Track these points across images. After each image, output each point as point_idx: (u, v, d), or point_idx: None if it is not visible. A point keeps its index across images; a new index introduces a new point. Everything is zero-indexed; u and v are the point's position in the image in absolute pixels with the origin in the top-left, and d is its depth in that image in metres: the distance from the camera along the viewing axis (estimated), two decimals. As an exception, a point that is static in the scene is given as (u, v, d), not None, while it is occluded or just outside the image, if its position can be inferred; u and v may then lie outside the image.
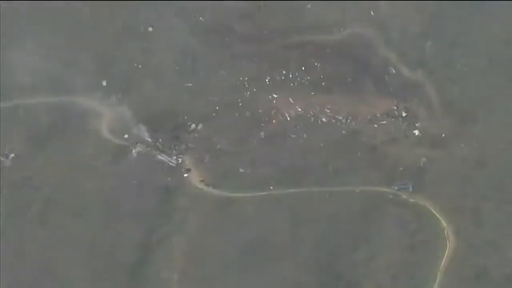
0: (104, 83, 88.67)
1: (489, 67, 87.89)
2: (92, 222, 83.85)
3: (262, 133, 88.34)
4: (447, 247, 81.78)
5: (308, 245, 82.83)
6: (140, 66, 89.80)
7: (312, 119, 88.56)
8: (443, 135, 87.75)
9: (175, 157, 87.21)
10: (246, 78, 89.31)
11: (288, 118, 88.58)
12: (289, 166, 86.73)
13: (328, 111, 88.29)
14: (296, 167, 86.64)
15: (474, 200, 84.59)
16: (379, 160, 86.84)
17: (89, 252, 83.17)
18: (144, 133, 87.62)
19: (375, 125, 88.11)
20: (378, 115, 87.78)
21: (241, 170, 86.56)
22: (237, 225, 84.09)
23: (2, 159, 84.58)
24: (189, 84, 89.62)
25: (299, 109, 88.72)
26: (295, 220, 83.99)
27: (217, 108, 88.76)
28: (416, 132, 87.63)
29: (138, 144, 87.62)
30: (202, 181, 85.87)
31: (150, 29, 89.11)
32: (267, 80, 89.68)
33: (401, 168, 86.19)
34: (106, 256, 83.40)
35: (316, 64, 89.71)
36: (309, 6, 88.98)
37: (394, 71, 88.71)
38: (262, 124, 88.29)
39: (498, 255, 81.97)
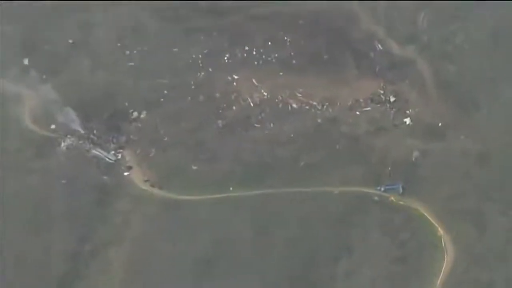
0: (26, 62, 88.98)
1: (492, 43, 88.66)
2: (13, 229, 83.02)
3: (219, 122, 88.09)
4: (445, 259, 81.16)
5: (276, 256, 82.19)
6: (73, 42, 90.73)
7: (281, 104, 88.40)
8: (439, 124, 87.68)
9: (113, 152, 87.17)
10: (201, 56, 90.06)
11: (252, 104, 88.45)
12: (253, 162, 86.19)
13: (300, 95, 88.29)
14: (261, 163, 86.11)
15: (476, 202, 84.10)
16: (362, 155, 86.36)
17: (10, 264, 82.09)
18: (74, 121, 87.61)
19: (357, 112, 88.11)
20: (361, 100, 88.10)
21: (193, 167, 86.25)
22: (189, 233, 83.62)
23: None
24: (132, 64, 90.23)
25: (265, 93, 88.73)
26: (260, 227, 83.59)
27: (165, 92, 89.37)
28: (407, 120, 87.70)
29: (68, 136, 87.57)
30: (146, 180, 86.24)
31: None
32: (225, 58, 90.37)
33: (389, 164, 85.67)
34: (29, 269, 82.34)
35: (285, 38, 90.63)
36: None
37: (380, 47, 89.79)
38: (220, 111, 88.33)
39: (505, 267, 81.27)
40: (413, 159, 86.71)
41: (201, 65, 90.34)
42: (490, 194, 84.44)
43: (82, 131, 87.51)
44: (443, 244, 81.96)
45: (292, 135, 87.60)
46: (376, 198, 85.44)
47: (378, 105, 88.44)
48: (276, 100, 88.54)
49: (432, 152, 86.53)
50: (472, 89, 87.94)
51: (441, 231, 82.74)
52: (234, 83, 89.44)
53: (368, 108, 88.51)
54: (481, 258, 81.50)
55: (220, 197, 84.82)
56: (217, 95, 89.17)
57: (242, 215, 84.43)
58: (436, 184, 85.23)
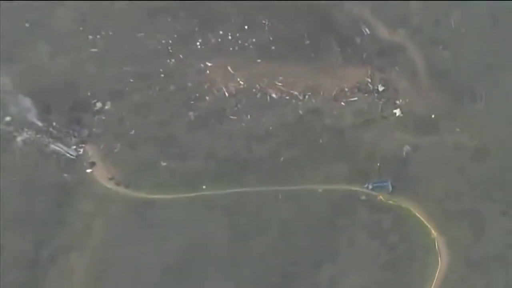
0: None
1: (492, 26, 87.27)
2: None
3: (191, 114, 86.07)
4: (439, 264, 79.53)
5: (254, 262, 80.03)
6: (29, 25, 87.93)
7: (259, 95, 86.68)
8: (432, 116, 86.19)
9: (74, 147, 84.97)
10: (171, 41, 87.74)
11: (226, 94, 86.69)
12: (228, 157, 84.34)
13: (279, 84, 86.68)
14: (237, 159, 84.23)
15: (472, 202, 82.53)
16: (348, 149, 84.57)
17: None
18: (31, 113, 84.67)
19: (343, 103, 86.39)
20: (347, 89, 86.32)
21: (163, 164, 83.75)
22: (158, 236, 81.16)
23: None
24: (95, 49, 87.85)
25: (241, 82, 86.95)
26: (236, 230, 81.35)
27: (131, 81, 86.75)
28: (397, 111, 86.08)
29: (25, 129, 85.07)
30: (111, 178, 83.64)
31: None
32: (198, 43, 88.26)
33: (378, 160, 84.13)
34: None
35: (263, 22, 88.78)
36: None
37: (367, 31, 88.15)
38: (192, 102, 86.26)
39: (505, 273, 79.73)
40: (404, 154, 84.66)
41: (170, 51, 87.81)
42: (489, 192, 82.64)
43: (40, 124, 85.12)
44: (436, 248, 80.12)
45: (271, 128, 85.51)
46: (363, 197, 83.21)
47: (365, 95, 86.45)
48: (254, 90, 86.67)
49: (425, 146, 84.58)
50: (468, 78, 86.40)
51: (434, 233, 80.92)
52: (207, 71, 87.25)
53: (355, 98, 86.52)
54: (478, 262, 79.68)
55: (192, 196, 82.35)
56: (189, 84, 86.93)
57: (216, 216, 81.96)
58: (429, 182, 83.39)
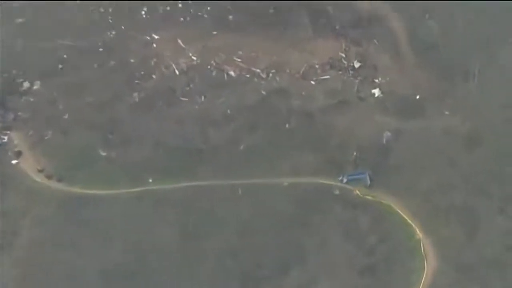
0: None
1: None
2: None
3: (135, 95, 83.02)
4: (425, 269, 77.65)
5: (210, 264, 78.24)
6: None
7: (214, 72, 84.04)
8: (418, 96, 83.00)
9: None
10: (111, 10, 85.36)
11: (177, 72, 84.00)
12: (178, 146, 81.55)
13: (239, 60, 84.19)
14: (189, 147, 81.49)
15: (464, 197, 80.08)
16: (319, 136, 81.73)
17: None
18: None
19: (312, 82, 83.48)
20: (317, 66, 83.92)
21: (102, 153, 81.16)
22: (97, 237, 79.24)
23: None
24: (22, 20, 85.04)
25: (194, 58, 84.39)
26: (189, 229, 78.79)
27: (65, 56, 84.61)
28: (376, 92, 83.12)
29: None
30: (40, 170, 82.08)
31: None
32: (143, 12, 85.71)
33: (354, 148, 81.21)
34: None
35: None
36: None
37: None
38: (136, 81, 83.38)
39: (500, 280, 78.11)
40: (384, 141, 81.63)
41: (111, 21, 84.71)
42: (483, 186, 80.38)
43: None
44: (422, 250, 78.15)
45: (229, 112, 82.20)
46: (336, 191, 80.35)
47: (339, 72, 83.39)
48: (209, 67, 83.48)
49: (408, 132, 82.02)
50: (459, 52, 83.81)
51: (419, 234, 78.82)
52: (154, 45, 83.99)
53: (326, 77, 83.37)
54: (470, 267, 78.32)
55: (137, 191, 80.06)
56: (132, 60, 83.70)
57: (165, 214, 79.39)
58: (414, 174, 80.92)
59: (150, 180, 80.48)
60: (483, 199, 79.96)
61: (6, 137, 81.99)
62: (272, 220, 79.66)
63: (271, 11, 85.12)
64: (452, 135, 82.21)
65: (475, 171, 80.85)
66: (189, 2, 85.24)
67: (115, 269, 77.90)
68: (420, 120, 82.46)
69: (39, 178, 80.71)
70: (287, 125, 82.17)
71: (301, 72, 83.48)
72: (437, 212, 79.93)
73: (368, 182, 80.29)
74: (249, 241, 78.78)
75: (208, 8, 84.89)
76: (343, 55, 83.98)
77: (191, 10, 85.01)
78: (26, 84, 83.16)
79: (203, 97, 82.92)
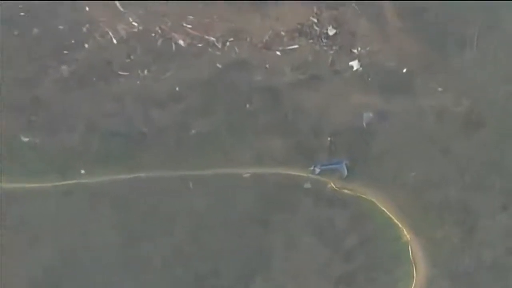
0: None
1: None
2: None
3: (64, 69, 76.91)
4: (414, 277, 75.16)
5: (155, 271, 74.68)
6: None
7: (160, 41, 77.75)
8: (404, 70, 77.35)
9: None
10: None
11: (114, 41, 77.88)
12: (116, 130, 76.16)
13: (189, 26, 78.09)
14: (129, 132, 76.16)
15: (459, 191, 76.45)
16: (286, 118, 76.80)
17: None
18: None
19: (278, 53, 77.69)
20: (284, 33, 77.71)
21: (24, 139, 75.33)
22: (20, 239, 74.99)
23: None
24: None
25: (135, 24, 78.11)
26: (130, 229, 74.75)
27: None
28: (355, 64, 77.56)
29: None
30: None
31: None
32: None
33: (328, 133, 76.67)
34: None
35: None
36: None
37: None
38: (65, 52, 77.11)
39: (502, 287, 75.69)
40: (364, 124, 76.00)
41: None
42: (482, 178, 75.99)
43: None
44: (410, 254, 74.70)
45: (177, 89, 75.94)
46: (308, 184, 75.06)
47: (310, 41, 76.95)
48: (153, 35, 76.72)
49: (393, 113, 76.56)
50: (453, 15, 78.08)
51: (407, 235, 74.56)
52: (87, 8, 77.38)
53: (295, 46, 77.26)
54: (467, 275, 75.34)
55: (66, 184, 74.88)
56: (60, 27, 77.00)
57: (101, 212, 74.13)
58: (400, 163, 76.20)
59: (83, 172, 75.25)
60: (483, 194, 75.72)
61: None
62: (231, 219, 74.92)
63: (228, -35, 77.30)
64: (446, 116, 77.14)
65: (473, 161, 76.35)
66: (126, -48, 77.22)
67: (44, 275, 73.43)
68: (407, 99, 77.29)
69: None
70: (247, 105, 76.37)
71: (264, 41, 77.66)
72: (428, 209, 75.72)
73: (346, 173, 75.57)
74: (202, 243, 74.18)
75: (152, -41, 77.14)
76: (315, 20, 78.08)
77: (126, -37, 77.26)
78: None
79: (146, 71, 76.90)
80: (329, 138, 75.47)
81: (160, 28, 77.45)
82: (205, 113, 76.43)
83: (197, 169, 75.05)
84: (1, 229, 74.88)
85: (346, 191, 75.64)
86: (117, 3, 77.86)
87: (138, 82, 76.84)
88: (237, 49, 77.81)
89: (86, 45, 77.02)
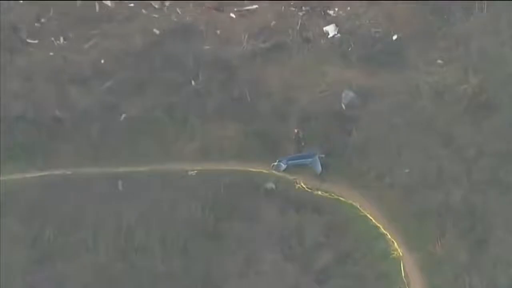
0: None
1: None
2: None
3: None
4: None
5: None
6: None
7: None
8: (394, 36, 72.52)
9: None
10: None
11: None
12: (24, 115, 69.90)
13: None
14: (40, 117, 69.90)
15: (466, 193, 68.45)
16: (242, 99, 71.05)
17: None
18: None
19: (232, 15, 74.02)
20: None
21: None
22: None
23: None
24: None
25: None
26: (42, 242, 66.22)
27: None
28: (331, 29, 72.96)
29: None
30: None
31: None
32: None
33: (296, 119, 70.78)
34: None
35: None
36: None
37: None
38: None
39: None
40: (343, 106, 68.66)
41: None
42: (492, 176, 67.89)
43: None
44: (402, 274, 65.16)
45: (102, 62, 69.80)
46: (270, 184, 66.71)
47: None
48: None
49: (380, 92, 69.86)
50: None
51: (399, 250, 65.69)
52: None
53: (254, 6, 72.87)
54: None
55: None
56: None
57: (6, 221, 66.05)
58: (389, 157, 68.40)
59: (-28, 170, 65.26)
60: (493, 195, 67.01)
61: None
62: (171, 230, 65.40)
63: None
64: (448, 97, 69.60)
65: (482, 153, 68.52)
66: None
67: None
68: (398, 74, 70.18)
69: None
70: (192, 82, 68.48)
71: (214, -2, 69.54)
72: (425, 216, 66.48)
73: (319, 169, 67.39)
74: (135, 260, 64.34)
75: None
76: (280, -29, 69.99)
77: None
78: None
79: (62, 39, 70.35)
80: (296, 130, 68.60)
81: (83, -17, 69.36)
82: (137, 92, 69.17)
83: (128, 165, 67.56)
84: None
85: (320, 192, 67.81)
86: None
87: (51, 53, 70.71)
88: (179, 11, 73.17)
89: (-13, 0, 68.33)
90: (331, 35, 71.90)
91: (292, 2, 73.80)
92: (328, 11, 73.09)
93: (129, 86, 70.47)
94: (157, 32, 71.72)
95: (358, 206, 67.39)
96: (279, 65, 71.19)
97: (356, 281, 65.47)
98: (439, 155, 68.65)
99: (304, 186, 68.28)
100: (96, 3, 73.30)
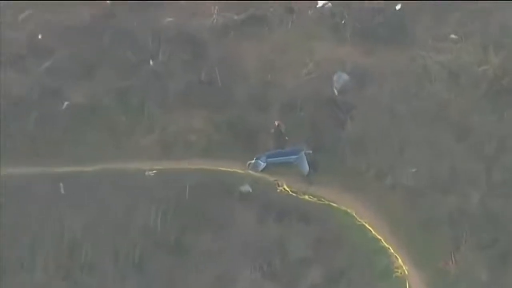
0: None
1: None
2: None
3: None
4: None
5: None
6: None
7: None
8: (397, 6, 69.14)
9: None
10: None
11: None
12: None
13: None
14: None
15: (482, 198, 64.64)
16: (212, 83, 67.07)
17: None
18: None
19: None
20: None
21: None
22: None
23: None
24: None
25: None
26: None
27: None
28: None
29: None
30: None
31: None
32: None
33: (277, 106, 66.86)
34: None
35: None
36: None
37: None
38: None
39: None
40: (335, 91, 64.38)
41: None
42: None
43: None
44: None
45: (40, 37, 66.41)
46: (246, 187, 62.67)
47: None
48: None
49: (380, 74, 65.76)
50: None
51: (403, 266, 61.29)
52: None
53: None
54: None
55: None
56: None
57: None
58: (391, 154, 64.23)
59: None
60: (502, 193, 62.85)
61: None
62: (125, 241, 60.24)
63: None
64: (463, 80, 65.07)
65: (503, 149, 64.38)
66: None
67: None
68: (402, 52, 65.91)
69: None
70: (151, 62, 63.79)
71: (183, -37, 64.04)
72: (435, 226, 62.17)
73: (306, 168, 62.87)
74: (80, 279, 59.32)
75: None
76: None
77: None
78: None
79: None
80: (276, 123, 63.93)
81: None
82: (84, 75, 64.09)
83: (71, 163, 62.22)
84: None
85: (307, 197, 63.44)
86: None
87: (-24, 27, 62.24)
88: (134, -24, 64.05)
89: None
90: (320, 4, 68.07)
91: (275, -41, 65.68)
92: (319, -28, 65.00)
93: (73, 67, 65.40)
94: (108, 1, 67.65)
95: (354, 214, 62.77)
96: (257, 41, 66.90)
97: (351, 296, 59.14)
98: (452, 151, 64.01)
99: (287, 189, 63.91)
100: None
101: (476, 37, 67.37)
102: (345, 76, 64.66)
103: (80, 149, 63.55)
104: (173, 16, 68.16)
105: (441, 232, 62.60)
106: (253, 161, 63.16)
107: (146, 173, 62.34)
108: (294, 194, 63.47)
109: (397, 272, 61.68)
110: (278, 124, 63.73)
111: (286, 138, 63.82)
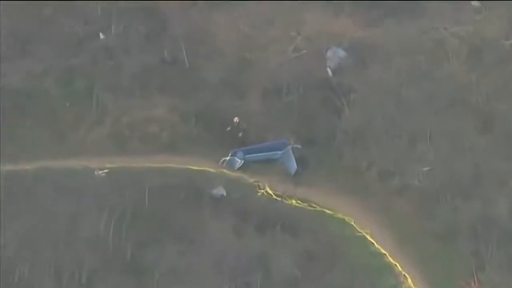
0: None
1: None
2: None
3: None
4: None
5: None
6: None
7: None
8: None
9: None
10: None
11: None
12: None
13: None
14: None
15: (496, 201, 60.09)
16: (175, 62, 63.45)
17: None
18: None
19: None
20: None
21: None
22: None
23: None
24: None
25: None
26: None
27: None
28: None
29: None
30: None
31: None
32: None
33: (260, 91, 63.00)
34: None
35: None
36: None
37: None
38: None
39: None
40: (329, 72, 61.01)
41: None
42: None
43: None
44: None
45: None
46: (219, 190, 58.40)
47: None
48: None
49: (383, 51, 62.43)
50: None
51: (407, 278, 58.14)
52: None
53: None
54: None
55: None
56: None
57: None
58: (397, 149, 60.35)
59: None
60: None
61: None
62: (69, 257, 55.47)
63: None
64: (486, 56, 61.63)
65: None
66: None
67: None
68: (410, 23, 62.71)
69: None
70: (101, 36, 61.23)
71: None
72: (452, 238, 57.83)
73: (294, 166, 58.91)
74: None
75: None
76: None
77: None
78: None
79: None
80: (236, 119, 61.24)
81: None
82: (18, 53, 60.19)
83: (5, 161, 57.60)
84: None
85: (294, 202, 59.09)
86: None
87: None
88: None
89: None
90: (312, -22, 59.37)
91: None
92: None
93: (5, 43, 60.69)
94: (68, -17, 58.59)
95: (353, 223, 58.41)
96: (232, 11, 63.11)
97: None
98: (474, 146, 59.65)
99: (270, 193, 59.25)
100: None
101: (502, 6, 63.13)
102: (341, 53, 60.56)
103: (15, 143, 58.61)
104: (140, -10, 58.64)
105: (461, 245, 57.93)
106: (228, 158, 58.61)
107: (96, 172, 57.34)
108: (278, 199, 58.96)
109: (397, 275, 57.88)
110: (238, 121, 60.12)
111: (240, 135, 60.31)
